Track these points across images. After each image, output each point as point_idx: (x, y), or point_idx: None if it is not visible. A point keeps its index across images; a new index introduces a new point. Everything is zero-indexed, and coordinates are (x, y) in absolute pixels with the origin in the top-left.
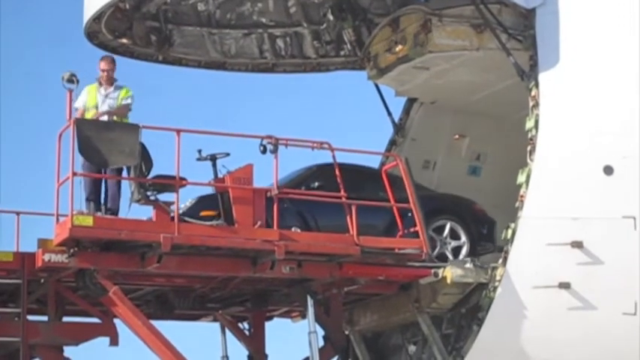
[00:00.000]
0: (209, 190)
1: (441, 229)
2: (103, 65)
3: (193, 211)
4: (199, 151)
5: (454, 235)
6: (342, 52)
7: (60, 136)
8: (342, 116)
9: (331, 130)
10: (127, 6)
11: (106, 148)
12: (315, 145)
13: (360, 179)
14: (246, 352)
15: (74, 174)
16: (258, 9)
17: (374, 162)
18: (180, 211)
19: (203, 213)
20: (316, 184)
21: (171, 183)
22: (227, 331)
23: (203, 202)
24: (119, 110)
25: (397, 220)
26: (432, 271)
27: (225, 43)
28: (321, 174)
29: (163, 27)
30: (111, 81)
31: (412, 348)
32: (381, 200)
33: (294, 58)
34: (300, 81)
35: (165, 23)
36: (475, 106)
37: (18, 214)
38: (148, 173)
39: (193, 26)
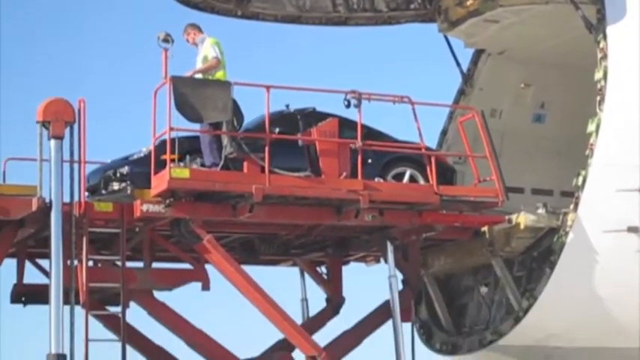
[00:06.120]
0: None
1: (400, 176)
2: (185, 36)
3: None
4: (287, 106)
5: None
6: (412, 6)
7: (155, 92)
8: (411, 67)
9: (401, 82)
10: None
11: (200, 104)
12: (396, 99)
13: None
14: (324, 295)
15: (171, 129)
16: None
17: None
18: (138, 156)
19: (163, 156)
20: (277, 130)
21: (261, 137)
22: (306, 275)
23: (163, 146)
24: (205, 68)
25: (473, 169)
26: (507, 217)
27: None
28: (282, 120)
29: None
30: (196, 43)
31: (483, 289)
32: None
33: (366, 12)
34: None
35: None
36: (541, 56)
37: None
38: (240, 127)
39: None
